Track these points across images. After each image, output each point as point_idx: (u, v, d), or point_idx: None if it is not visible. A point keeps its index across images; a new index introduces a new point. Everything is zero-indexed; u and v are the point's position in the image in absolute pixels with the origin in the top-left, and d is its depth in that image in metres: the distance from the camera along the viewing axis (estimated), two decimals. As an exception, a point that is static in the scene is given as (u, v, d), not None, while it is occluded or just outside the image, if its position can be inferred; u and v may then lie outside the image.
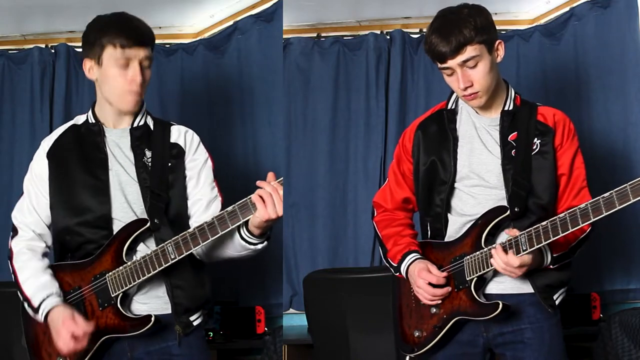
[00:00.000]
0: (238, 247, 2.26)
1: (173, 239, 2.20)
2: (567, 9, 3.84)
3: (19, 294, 2.31)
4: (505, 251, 2.18)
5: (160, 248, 2.20)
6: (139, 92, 2.29)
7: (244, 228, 2.21)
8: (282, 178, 2.17)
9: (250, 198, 2.14)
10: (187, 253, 2.20)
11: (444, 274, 2.29)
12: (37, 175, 2.36)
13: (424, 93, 3.97)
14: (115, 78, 2.28)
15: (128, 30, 2.27)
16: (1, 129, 4.02)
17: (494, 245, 2.23)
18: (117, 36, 2.25)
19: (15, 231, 2.38)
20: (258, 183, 2.14)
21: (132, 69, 2.27)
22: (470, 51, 2.21)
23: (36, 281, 2.28)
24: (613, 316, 3.36)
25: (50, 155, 2.36)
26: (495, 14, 3.81)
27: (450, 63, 2.23)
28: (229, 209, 2.16)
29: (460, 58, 2.21)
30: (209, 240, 2.17)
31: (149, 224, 2.26)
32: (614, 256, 3.66)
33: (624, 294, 3.68)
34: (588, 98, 3.72)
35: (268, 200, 2.12)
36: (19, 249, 2.34)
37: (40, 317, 2.24)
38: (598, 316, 3.51)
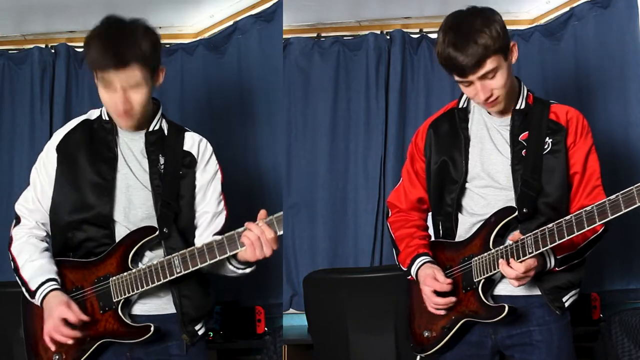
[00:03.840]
0: (228, 270, 2.31)
1: (180, 252, 2.20)
2: (567, 9, 3.84)
3: (17, 279, 2.30)
4: (508, 261, 2.17)
5: (167, 260, 2.20)
6: (128, 115, 2.23)
7: (234, 257, 2.25)
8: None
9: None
10: (193, 269, 2.21)
11: (449, 280, 2.28)
12: (45, 167, 2.35)
13: (424, 93, 3.96)
14: (103, 97, 2.24)
15: (105, 52, 2.13)
16: (1, 129, 4.01)
17: (501, 247, 2.22)
18: (95, 59, 2.16)
19: (17, 220, 2.38)
20: (246, 225, 2.17)
21: (116, 94, 2.19)
22: (489, 64, 2.18)
23: (34, 264, 2.27)
24: (613, 316, 3.35)
25: (60, 149, 2.35)
26: (495, 14, 3.85)
27: (471, 77, 2.20)
28: (240, 230, 2.17)
29: (481, 72, 2.19)
30: (215, 259, 2.19)
31: (157, 233, 2.26)
32: (614, 256, 3.66)
33: (624, 294, 3.67)
34: (588, 98, 3.72)
35: (256, 244, 2.16)
36: (18, 236, 2.34)
37: (37, 300, 2.24)
38: (598, 316, 3.50)
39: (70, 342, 2.19)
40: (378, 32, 4.03)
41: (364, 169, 3.98)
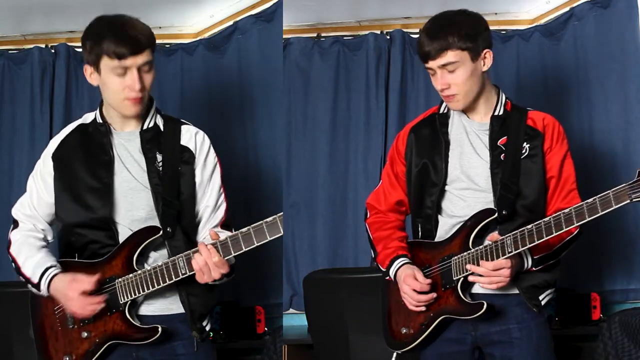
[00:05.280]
0: None
1: (185, 253, 2.20)
2: (567, 9, 3.84)
3: (21, 279, 2.32)
4: (478, 262, 2.24)
5: (171, 261, 2.21)
6: (139, 98, 2.27)
7: None
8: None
9: (266, 221, 2.14)
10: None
11: (428, 280, 2.33)
12: (41, 175, 2.36)
13: (424, 93, 3.96)
14: (114, 86, 2.25)
15: (123, 40, 2.21)
16: (1, 129, 4.01)
17: (480, 247, 2.27)
18: (112, 46, 2.21)
19: (15, 224, 2.39)
20: (199, 245, 2.18)
21: (130, 77, 2.23)
22: (450, 56, 2.28)
23: (33, 260, 2.30)
24: (613, 316, 3.36)
25: (56, 156, 2.35)
26: (495, 14, 3.85)
27: (431, 64, 2.32)
28: (244, 230, 2.16)
29: (440, 61, 2.30)
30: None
31: (161, 233, 2.26)
32: (614, 256, 3.66)
33: (624, 294, 3.67)
34: (588, 98, 3.72)
35: (204, 269, 2.17)
36: (16, 238, 2.36)
37: (43, 290, 2.25)
38: (598, 316, 3.51)
39: (99, 308, 2.21)
40: (378, 32, 4.03)
41: (364, 169, 3.98)
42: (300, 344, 3.60)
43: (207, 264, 2.16)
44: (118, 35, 2.22)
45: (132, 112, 2.29)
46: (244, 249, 2.17)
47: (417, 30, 3.99)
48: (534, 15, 4.03)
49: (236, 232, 2.17)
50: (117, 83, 2.24)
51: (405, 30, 4.00)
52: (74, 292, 2.19)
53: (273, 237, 2.15)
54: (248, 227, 2.16)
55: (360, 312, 3.24)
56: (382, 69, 3.99)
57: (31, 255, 2.31)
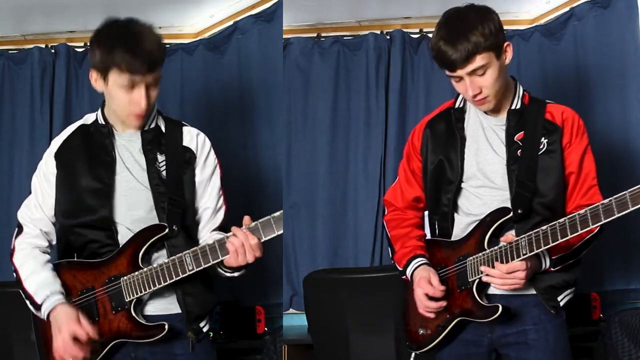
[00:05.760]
0: (218, 272, 2.30)
1: (192, 250, 2.20)
2: (567, 9, 3.84)
3: (20, 291, 2.30)
4: (492, 264, 2.20)
5: (178, 258, 2.20)
6: (144, 113, 2.26)
7: (221, 262, 2.24)
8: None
9: (270, 218, 2.16)
10: (206, 266, 2.20)
11: (442, 287, 2.28)
12: (44, 175, 2.36)
13: (424, 93, 3.96)
14: (120, 100, 2.23)
15: (136, 55, 2.15)
16: (1, 129, 4.01)
17: (495, 248, 2.22)
18: (124, 61, 2.15)
19: (20, 229, 2.38)
20: (233, 229, 2.18)
21: (138, 93, 2.21)
22: (479, 60, 2.18)
23: (37, 278, 2.27)
24: (613, 316, 3.36)
25: (58, 156, 2.35)
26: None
27: (460, 72, 2.21)
28: (252, 225, 2.17)
29: (470, 68, 2.19)
30: (227, 256, 2.19)
31: (167, 231, 2.25)
32: (614, 256, 3.66)
33: (624, 294, 3.67)
34: (588, 98, 3.72)
35: (240, 251, 2.17)
36: (21, 247, 2.35)
37: (43, 314, 2.24)
38: (598, 316, 3.51)
39: (80, 358, 2.19)
40: (378, 32, 4.03)
41: (364, 169, 3.98)
42: (300, 344, 3.60)
43: (244, 245, 2.16)
44: (131, 48, 2.16)
45: (135, 125, 2.30)
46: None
47: (417, 30, 4.00)
48: (534, 15, 4.03)
49: (255, 221, 2.18)
50: (124, 97, 2.22)
51: (405, 30, 4.00)
52: (67, 333, 2.17)
53: (279, 233, 2.17)
54: (255, 222, 2.17)
55: (360, 312, 3.24)
56: (382, 69, 3.99)
57: (36, 272, 2.29)
